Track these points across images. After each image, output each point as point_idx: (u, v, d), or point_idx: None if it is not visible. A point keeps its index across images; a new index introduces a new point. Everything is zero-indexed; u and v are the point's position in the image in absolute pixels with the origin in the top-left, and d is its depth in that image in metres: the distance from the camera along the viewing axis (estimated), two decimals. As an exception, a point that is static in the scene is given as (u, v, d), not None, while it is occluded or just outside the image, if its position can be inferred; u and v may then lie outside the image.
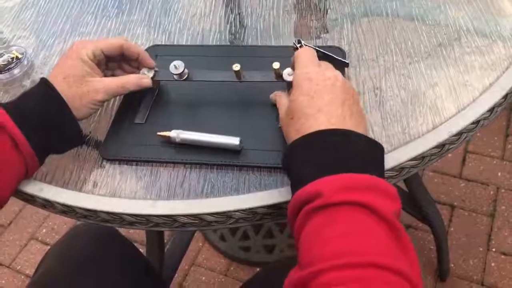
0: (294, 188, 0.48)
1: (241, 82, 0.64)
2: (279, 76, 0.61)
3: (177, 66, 0.64)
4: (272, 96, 0.63)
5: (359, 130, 0.50)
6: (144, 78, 0.65)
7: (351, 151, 0.48)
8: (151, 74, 0.66)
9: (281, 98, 0.59)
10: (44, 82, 0.60)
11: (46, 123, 0.58)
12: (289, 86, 0.63)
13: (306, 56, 0.57)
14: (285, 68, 0.61)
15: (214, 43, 0.76)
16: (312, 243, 0.43)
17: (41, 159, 0.59)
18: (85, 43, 0.64)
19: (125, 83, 0.64)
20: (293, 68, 0.59)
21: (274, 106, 0.63)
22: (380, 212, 0.42)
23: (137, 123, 0.66)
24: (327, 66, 0.57)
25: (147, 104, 0.67)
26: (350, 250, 0.41)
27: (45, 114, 0.58)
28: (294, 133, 0.51)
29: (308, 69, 0.55)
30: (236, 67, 0.62)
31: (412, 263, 0.41)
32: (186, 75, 0.65)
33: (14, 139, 0.55)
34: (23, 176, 0.59)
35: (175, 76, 0.65)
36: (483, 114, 0.60)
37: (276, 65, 0.60)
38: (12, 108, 0.57)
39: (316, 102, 0.51)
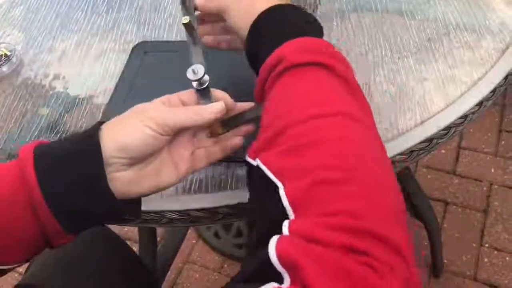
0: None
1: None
2: None
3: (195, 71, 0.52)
4: None
5: None
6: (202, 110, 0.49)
7: (304, 21, 0.49)
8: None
9: None
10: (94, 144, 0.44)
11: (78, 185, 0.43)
12: None
13: None
14: None
15: (203, 39, 0.76)
16: (279, 101, 0.44)
17: (65, 225, 0.44)
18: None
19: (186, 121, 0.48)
20: None
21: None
22: (341, 73, 0.44)
23: None
24: None
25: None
26: (319, 101, 0.42)
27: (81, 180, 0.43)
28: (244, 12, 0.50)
29: None
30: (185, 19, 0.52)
31: (368, 115, 0.44)
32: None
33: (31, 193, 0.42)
34: (40, 244, 0.46)
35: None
36: (471, 109, 0.60)
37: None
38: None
39: None
